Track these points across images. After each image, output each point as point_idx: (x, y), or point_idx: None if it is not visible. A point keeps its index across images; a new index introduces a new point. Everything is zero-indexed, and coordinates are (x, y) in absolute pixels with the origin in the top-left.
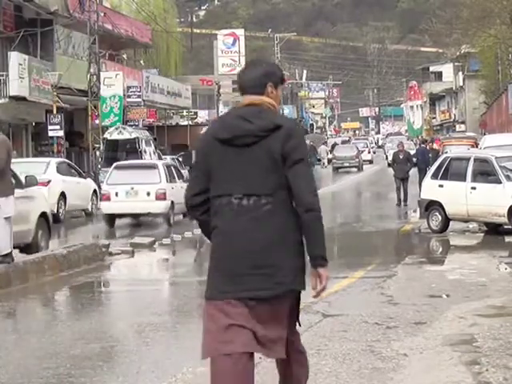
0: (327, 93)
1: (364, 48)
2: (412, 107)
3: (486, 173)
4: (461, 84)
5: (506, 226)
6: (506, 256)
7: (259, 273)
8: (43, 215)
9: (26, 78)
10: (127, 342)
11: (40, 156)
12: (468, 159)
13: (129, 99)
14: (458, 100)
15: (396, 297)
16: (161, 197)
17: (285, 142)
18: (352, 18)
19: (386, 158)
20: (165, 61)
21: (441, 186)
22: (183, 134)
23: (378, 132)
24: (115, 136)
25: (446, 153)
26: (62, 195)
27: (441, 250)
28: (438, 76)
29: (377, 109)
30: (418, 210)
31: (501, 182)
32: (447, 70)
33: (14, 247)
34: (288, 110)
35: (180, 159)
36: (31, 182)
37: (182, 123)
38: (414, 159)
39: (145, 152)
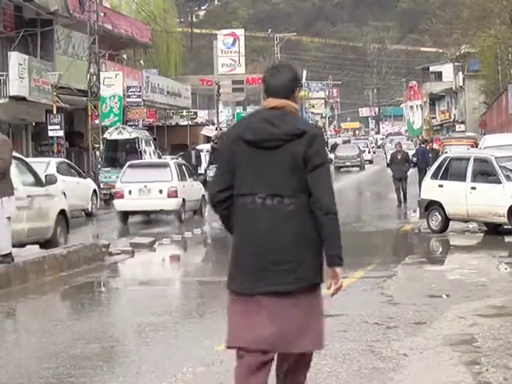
0: (327, 93)
1: (364, 48)
2: (412, 107)
3: (485, 173)
4: (461, 84)
5: (505, 226)
6: (505, 256)
7: (281, 269)
8: (62, 212)
9: (26, 78)
10: (127, 342)
11: (40, 156)
12: (468, 159)
13: (129, 99)
14: (458, 100)
15: (396, 297)
16: (172, 194)
17: (308, 147)
18: (352, 18)
19: (386, 158)
20: (165, 61)
21: (441, 186)
22: (183, 134)
23: (378, 132)
24: (115, 136)
25: (446, 153)
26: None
27: (441, 250)
28: (438, 76)
29: (377, 109)
30: (418, 210)
31: (501, 182)
32: (447, 69)
33: (35, 243)
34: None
35: (179, 159)
36: (51, 180)
37: (182, 123)
38: (415, 159)
39: (145, 152)
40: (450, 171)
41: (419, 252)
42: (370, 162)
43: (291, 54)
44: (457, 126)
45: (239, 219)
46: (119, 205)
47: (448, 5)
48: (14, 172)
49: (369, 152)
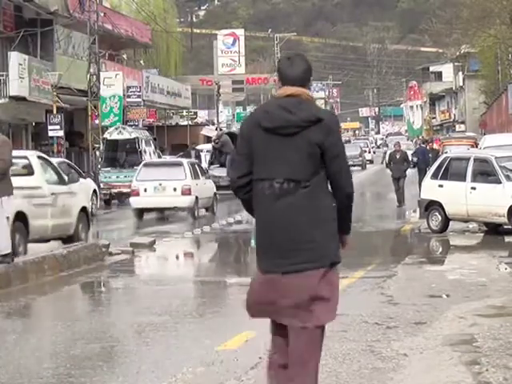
0: (327, 93)
1: (364, 48)
2: (412, 107)
3: (485, 173)
4: (461, 84)
5: (505, 226)
6: (505, 256)
7: (303, 248)
8: (83, 209)
9: (26, 77)
10: (127, 342)
11: None
12: (468, 159)
13: (129, 99)
14: (458, 100)
15: (396, 297)
16: (186, 192)
17: (326, 137)
18: (352, 18)
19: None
20: (165, 61)
21: (441, 186)
22: (183, 134)
23: (378, 132)
24: (115, 136)
25: (446, 153)
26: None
27: (441, 250)
28: (438, 76)
29: (377, 109)
30: (418, 210)
31: (501, 182)
32: (447, 69)
33: (58, 238)
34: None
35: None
36: (73, 179)
37: (182, 123)
38: (415, 159)
39: (145, 152)
40: (450, 171)
41: (419, 252)
42: (371, 161)
43: None
44: (457, 126)
45: (259, 203)
46: (135, 202)
47: (448, 5)
48: (39, 171)
49: (369, 152)
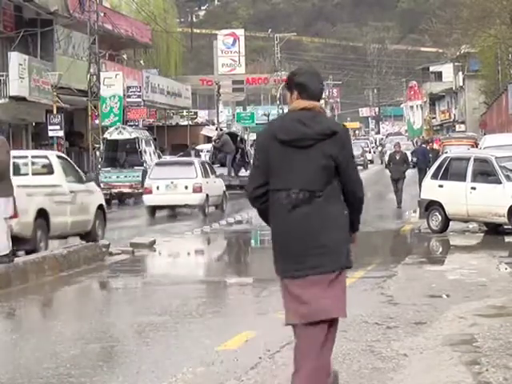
0: (327, 93)
1: (364, 48)
2: (412, 107)
3: (485, 173)
4: (461, 84)
5: (506, 226)
6: (506, 256)
7: (317, 252)
8: (100, 207)
9: (26, 78)
10: (127, 342)
11: None
12: (468, 159)
13: (129, 99)
14: (458, 100)
15: (396, 297)
16: (197, 190)
17: (340, 150)
18: (352, 18)
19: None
20: (165, 61)
21: (441, 186)
22: (183, 134)
23: (378, 132)
24: (115, 136)
25: (446, 153)
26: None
27: (441, 250)
28: (438, 76)
29: (377, 109)
30: (418, 209)
31: (501, 182)
32: (447, 69)
33: (76, 235)
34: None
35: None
36: (90, 177)
37: (182, 123)
38: (415, 159)
39: (145, 152)
40: (450, 171)
41: (419, 252)
42: (371, 161)
43: (291, 54)
44: (457, 126)
45: (275, 213)
46: (148, 200)
47: (448, 5)
48: (59, 170)
49: (369, 152)
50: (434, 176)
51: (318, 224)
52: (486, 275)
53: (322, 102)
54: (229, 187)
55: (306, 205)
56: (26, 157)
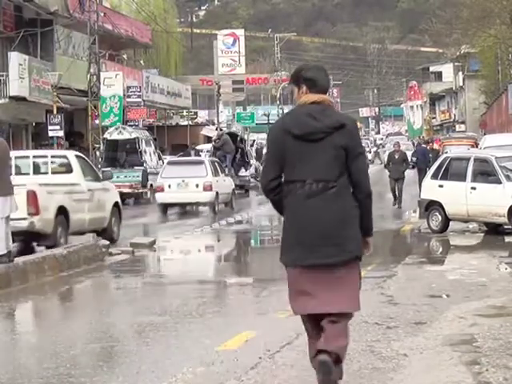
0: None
1: (364, 48)
2: (412, 107)
3: (485, 173)
4: (461, 84)
5: (506, 226)
6: (506, 256)
7: (329, 243)
8: (116, 204)
9: (26, 78)
10: (127, 342)
11: None
12: (468, 159)
13: (129, 99)
14: (458, 100)
15: (396, 297)
16: (208, 188)
17: (350, 140)
18: (352, 18)
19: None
20: (165, 61)
21: (441, 186)
22: (183, 134)
23: (378, 132)
24: (115, 136)
25: (446, 153)
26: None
27: (441, 250)
28: (438, 76)
29: (377, 109)
30: (418, 209)
31: (501, 182)
32: (447, 70)
33: (93, 231)
34: (288, 110)
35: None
36: (107, 176)
37: (182, 123)
38: (414, 159)
39: (145, 152)
40: (450, 171)
41: (419, 252)
42: (371, 161)
43: (291, 54)
44: (457, 126)
45: (290, 203)
46: (160, 197)
47: (448, 5)
48: (77, 169)
49: (369, 152)
50: (434, 176)
51: (331, 214)
52: (486, 275)
53: None
54: None
55: (320, 195)
56: (46, 156)
